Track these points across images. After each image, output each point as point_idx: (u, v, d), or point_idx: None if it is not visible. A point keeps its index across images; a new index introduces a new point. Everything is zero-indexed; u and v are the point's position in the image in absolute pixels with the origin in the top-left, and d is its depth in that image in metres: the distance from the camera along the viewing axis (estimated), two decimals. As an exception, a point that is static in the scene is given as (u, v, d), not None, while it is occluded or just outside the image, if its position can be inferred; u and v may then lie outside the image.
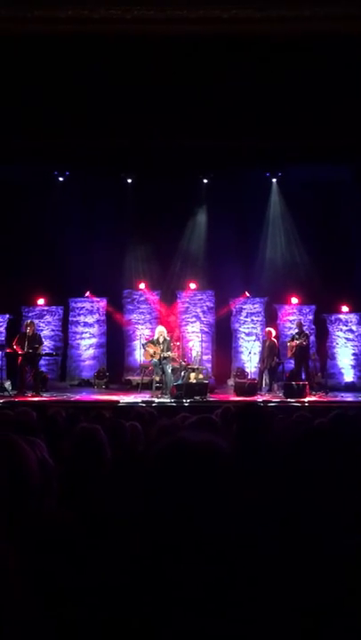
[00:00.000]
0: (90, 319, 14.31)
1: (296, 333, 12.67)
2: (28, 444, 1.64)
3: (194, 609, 1.02)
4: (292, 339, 12.57)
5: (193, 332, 14.16)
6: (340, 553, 1.37)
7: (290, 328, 14.04)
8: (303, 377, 12.28)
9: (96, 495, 2.20)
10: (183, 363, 12.36)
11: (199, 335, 13.97)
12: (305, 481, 1.80)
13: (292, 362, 12.78)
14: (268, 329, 13.17)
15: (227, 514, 1.04)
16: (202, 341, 13.83)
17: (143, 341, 12.55)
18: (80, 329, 14.28)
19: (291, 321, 14.10)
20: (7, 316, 13.83)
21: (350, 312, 14.05)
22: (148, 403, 10.10)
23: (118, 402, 10.49)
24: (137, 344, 13.77)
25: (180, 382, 11.48)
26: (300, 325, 12.84)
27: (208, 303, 14.41)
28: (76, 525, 1.39)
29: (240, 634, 1.03)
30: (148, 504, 1.05)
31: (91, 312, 14.35)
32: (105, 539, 1.48)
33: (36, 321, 13.26)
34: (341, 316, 14.08)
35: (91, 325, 14.29)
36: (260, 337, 13.61)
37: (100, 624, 1.09)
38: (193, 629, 1.00)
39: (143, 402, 10.36)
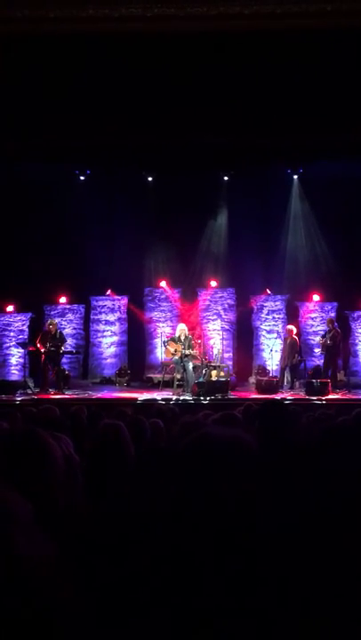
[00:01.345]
0: (111, 317, 14.37)
1: (325, 331, 12.63)
2: (54, 439, 1.66)
3: (220, 604, 1.03)
4: (323, 336, 12.54)
5: (214, 330, 14.14)
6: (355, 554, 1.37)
7: (311, 325, 13.97)
8: (329, 374, 12.20)
9: (120, 490, 2.21)
10: (204, 360, 12.36)
11: (220, 333, 13.95)
12: (328, 479, 1.79)
13: (322, 359, 12.74)
14: (288, 326, 13.12)
15: (255, 508, 1.04)
16: (223, 339, 13.80)
17: (164, 339, 12.57)
18: (101, 327, 14.35)
19: (313, 318, 14.02)
20: (29, 314, 13.96)
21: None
22: (167, 400, 10.14)
23: (137, 399, 10.55)
24: (158, 342, 13.80)
25: (201, 380, 11.48)
26: (328, 323, 12.71)
27: (229, 301, 14.37)
28: (101, 520, 1.41)
29: (269, 629, 1.03)
30: (176, 497, 1.06)
31: (112, 310, 14.40)
32: (129, 533, 1.49)
33: (58, 319, 13.37)
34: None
35: (112, 323, 14.36)
36: (282, 334, 13.55)
37: (125, 618, 1.10)
38: (220, 623, 1.00)
39: (163, 399, 10.39)
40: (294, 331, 12.84)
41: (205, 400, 10.52)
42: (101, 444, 2.62)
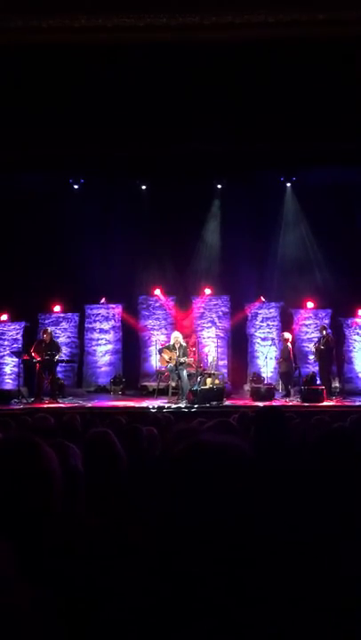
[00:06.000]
0: (105, 325, 14.35)
1: (319, 337, 12.68)
2: (62, 449, 1.66)
3: (214, 614, 1.01)
4: (317, 342, 12.59)
5: (209, 338, 14.14)
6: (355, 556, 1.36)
7: (306, 332, 13.98)
8: (319, 381, 12.22)
9: (115, 498, 2.19)
10: (199, 368, 12.34)
11: (215, 340, 13.95)
12: (326, 484, 1.78)
13: (317, 366, 12.77)
14: (282, 333, 13.14)
15: (251, 514, 1.03)
16: (217, 346, 13.81)
17: (159, 347, 12.56)
18: (96, 335, 14.33)
19: (307, 325, 14.04)
20: (24, 323, 13.92)
21: (367, 316, 13.94)
22: (159, 408, 10.13)
23: (125, 407, 10.61)
24: (153, 350, 13.78)
25: (196, 388, 11.46)
26: (321, 329, 12.75)
27: (223, 308, 14.39)
28: (100, 530, 1.39)
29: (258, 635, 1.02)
30: (170, 504, 1.05)
31: (106, 318, 14.39)
32: (124, 543, 1.48)
33: (52, 328, 13.35)
34: (358, 320, 13.97)
35: (106, 332, 14.33)
36: (277, 342, 13.57)
37: (121, 628, 1.09)
38: (218, 632, 0.99)
39: (154, 407, 10.38)
40: (289, 338, 12.86)
41: (194, 408, 10.49)
42: (89, 452, 2.60)
